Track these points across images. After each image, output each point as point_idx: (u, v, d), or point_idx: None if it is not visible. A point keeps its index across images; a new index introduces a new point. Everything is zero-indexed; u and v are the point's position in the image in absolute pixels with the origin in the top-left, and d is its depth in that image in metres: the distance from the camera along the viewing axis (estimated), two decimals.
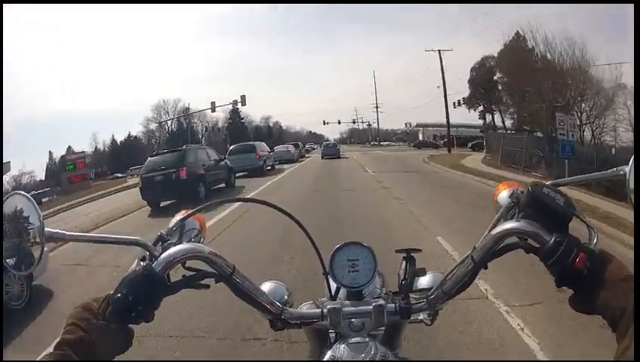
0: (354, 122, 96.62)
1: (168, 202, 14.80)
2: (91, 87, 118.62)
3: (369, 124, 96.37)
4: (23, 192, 0.86)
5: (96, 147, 54.56)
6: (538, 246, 0.81)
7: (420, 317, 1.10)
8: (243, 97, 49.57)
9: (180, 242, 0.96)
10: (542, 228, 0.81)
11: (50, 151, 70.49)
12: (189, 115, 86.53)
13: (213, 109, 52.71)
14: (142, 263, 0.88)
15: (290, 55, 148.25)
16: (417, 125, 79.58)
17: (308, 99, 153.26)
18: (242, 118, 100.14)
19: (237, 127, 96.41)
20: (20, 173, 52.64)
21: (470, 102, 54.52)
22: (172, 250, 0.88)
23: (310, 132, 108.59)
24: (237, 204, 8.11)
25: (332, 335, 1.06)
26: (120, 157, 71.38)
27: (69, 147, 69.18)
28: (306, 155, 48.77)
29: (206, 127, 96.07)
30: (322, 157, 38.93)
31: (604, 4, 27.41)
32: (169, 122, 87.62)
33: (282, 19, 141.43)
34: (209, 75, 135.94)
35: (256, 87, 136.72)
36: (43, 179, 59.51)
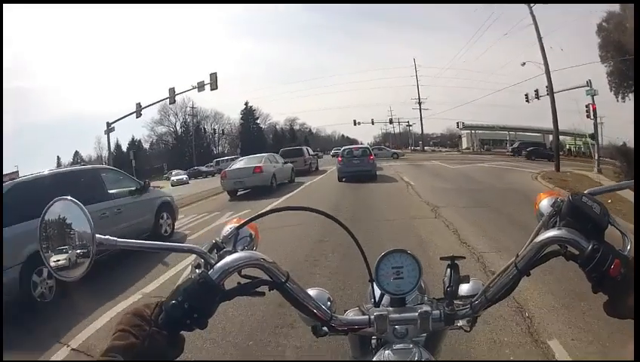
0: (390, 122, 77.31)
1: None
2: (101, 85, 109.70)
3: (408, 124, 76.15)
4: (70, 198, 0.84)
5: (110, 152, 44.32)
6: (577, 254, 0.83)
7: (459, 324, 1.03)
8: (213, 76, 32.70)
9: (235, 250, 0.95)
10: (581, 235, 0.83)
11: (57, 157, 67.83)
12: (196, 119, 75.19)
13: (172, 100, 36.14)
14: (197, 271, 0.86)
15: (318, 55, 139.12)
16: (465, 127, 65.82)
17: (339, 101, 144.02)
18: (257, 119, 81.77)
19: (250, 131, 79.02)
20: None
21: (619, 79, 32.53)
22: (229, 258, 0.87)
23: (343, 136, 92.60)
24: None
25: (374, 341, 1.09)
26: (124, 166, 60.59)
27: (76, 152, 71.40)
28: (319, 169, 29.99)
29: (222, 131, 79.69)
30: (340, 180, 19.91)
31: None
32: (177, 125, 79.97)
33: (311, 18, 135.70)
34: (230, 76, 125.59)
35: (284, 89, 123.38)
36: None
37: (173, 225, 10.18)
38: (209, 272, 0.83)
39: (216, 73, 32.85)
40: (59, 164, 66.75)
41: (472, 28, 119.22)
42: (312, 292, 1.08)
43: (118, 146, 72.57)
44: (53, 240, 0.84)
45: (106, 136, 35.26)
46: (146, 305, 0.81)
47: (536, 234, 0.89)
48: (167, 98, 35.97)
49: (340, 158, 20.81)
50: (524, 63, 32.80)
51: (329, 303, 1.10)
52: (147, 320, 0.77)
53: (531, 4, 25.91)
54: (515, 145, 47.16)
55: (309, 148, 31.98)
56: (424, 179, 19.00)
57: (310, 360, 3.64)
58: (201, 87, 33.04)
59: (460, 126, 64.60)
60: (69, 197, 0.84)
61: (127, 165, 59.47)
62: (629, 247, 0.82)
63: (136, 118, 37.83)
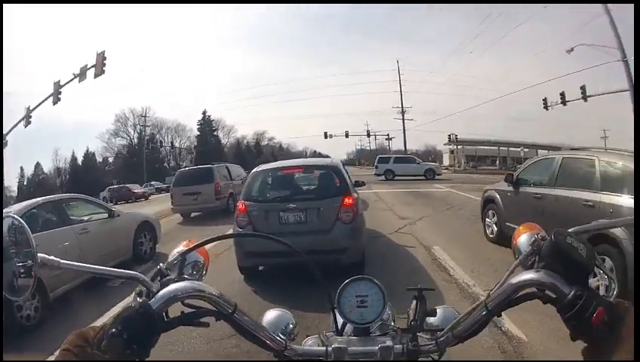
0: (367, 135, 65.00)
1: None
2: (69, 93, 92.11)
3: (388, 137, 64.57)
4: (15, 216, 0.82)
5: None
6: (556, 297, 0.76)
7: (424, 355, 0.93)
8: (100, 57, 22.78)
9: (180, 278, 0.89)
10: (561, 279, 0.75)
11: (21, 167, 62.06)
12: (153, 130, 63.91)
13: (55, 98, 24.65)
14: (139, 299, 0.81)
15: (295, 70, 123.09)
16: (459, 141, 55.39)
17: (312, 113, 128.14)
18: (215, 130, 68.97)
19: (207, 143, 66.92)
20: None
21: None
22: (171, 287, 0.81)
23: (315, 152, 79.98)
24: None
25: None
26: (80, 179, 57.26)
27: (37, 163, 63.50)
28: None
29: (171, 143, 67.91)
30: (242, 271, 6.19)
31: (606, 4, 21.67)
32: (133, 134, 68.97)
33: (285, 31, 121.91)
34: (197, 86, 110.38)
35: (254, 101, 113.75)
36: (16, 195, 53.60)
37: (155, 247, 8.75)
38: (150, 301, 0.77)
39: (103, 52, 22.44)
40: (22, 175, 62.78)
41: (455, 39, 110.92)
42: (273, 313, 1.06)
43: (74, 159, 65.64)
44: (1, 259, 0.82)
45: None
46: (91, 327, 0.77)
47: (511, 274, 0.82)
48: (50, 95, 24.72)
49: (241, 207, 6.06)
50: (572, 49, 26.19)
51: (291, 326, 1.05)
52: (90, 342, 0.74)
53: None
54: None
55: (229, 167, 16.96)
56: None
57: None
58: (83, 73, 22.59)
59: (453, 138, 54.50)
60: (15, 216, 0.82)
61: (80, 181, 53.69)
62: (614, 292, 0.75)
63: (25, 126, 26.95)
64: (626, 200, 4.70)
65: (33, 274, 0.78)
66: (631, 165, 4.88)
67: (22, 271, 0.79)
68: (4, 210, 6.92)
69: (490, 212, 8.11)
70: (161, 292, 0.79)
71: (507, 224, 7.26)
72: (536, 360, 3.35)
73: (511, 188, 7.45)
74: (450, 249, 7.38)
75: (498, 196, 7.85)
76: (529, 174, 7.31)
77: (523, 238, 0.87)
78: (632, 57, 19.27)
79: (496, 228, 7.79)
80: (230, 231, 7.20)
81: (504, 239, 7.28)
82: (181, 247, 0.97)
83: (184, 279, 0.87)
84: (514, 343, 3.84)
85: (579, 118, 63.83)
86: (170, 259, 0.93)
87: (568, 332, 0.78)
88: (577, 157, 6.09)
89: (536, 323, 4.05)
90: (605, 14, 20.37)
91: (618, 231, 4.48)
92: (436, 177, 29.49)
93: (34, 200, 6.73)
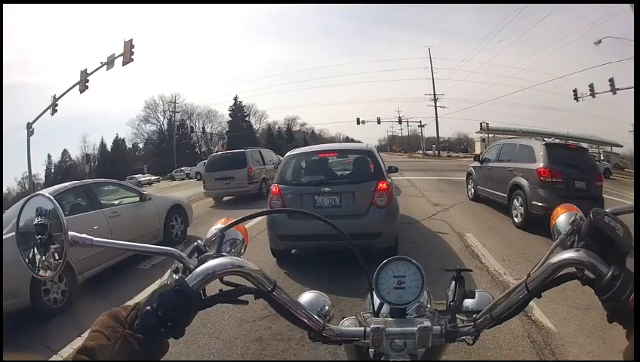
0: (399, 121, 63.70)
1: None
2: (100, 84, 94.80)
3: (421, 124, 63.44)
4: (46, 194, 0.79)
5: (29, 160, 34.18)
6: (594, 278, 0.74)
7: (461, 337, 0.92)
8: (127, 45, 23.02)
9: (218, 254, 0.86)
10: (600, 259, 0.74)
11: (48, 155, 63.28)
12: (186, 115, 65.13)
13: (83, 86, 25.06)
14: (175, 276, 0.80)
15: (324, 59, 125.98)
16: (490, 129, 55.04)
17: (345, 100, 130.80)
18: (247, 116, 69.28)
19: (239, 129, 67.32)
20: (24, 177, 44.08)
21: None
22: (209, 263, 0.77)
23: (347, 138, 78.48)
24: None
25: (372, 351, 0.91)
26: (109, 165, 59.26)
27: (65, 150, 64.75)
28: None
29: (202, 129, 68.24)
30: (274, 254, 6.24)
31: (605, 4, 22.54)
32: (163, 120, 69.60)
33: (319, 19, 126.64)
34: (229, 72, 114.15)
35: (287, 87, 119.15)
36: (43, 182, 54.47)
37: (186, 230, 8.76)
38: (187, 278, 0.74)
39: (131, 40, 22.56)
40: (50, 163, 64.26)
41: (486, 30, 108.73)
42: (309, 295, 1.03)
43: (102, 145, 66.75)
44: (29, 236, 0.78)
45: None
46: (123, 307, 0.75)
47: (551, 254, 0.79)
48: (77, 83, 25.17)
49: (275, 190, 5.98)
50: (600, 41, 26.39)
51: (327, 308, 1.00)
52: (122, 322, 0.71)
53: None
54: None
55: (262, 151, 16.53)
56: None
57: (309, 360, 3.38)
58: (110, 62, 22.93)
59: (484, 127, 53.60)
60: (44, 193, 0.78)
61: (109, 167, 55.37)
62: None
63: (52, 115, 27.55)
64: (526, 165, 8.41)
65: (63, 252, 0.75)
66: (533, 146, 8.50)
67: (51, 248, 0.76)
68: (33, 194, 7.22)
69: (469, 181, 11.97)
70: (199, 268, 0.75)
71: (478, 187, 11.11)
72: (543, 360, 3.34)
73: (479, 165, 11.19)
74: (482, 236, 7.32)
75: (473, 170, 11.71)
76: (488, 155, 11.08)
77: (562, 218, 0.88)
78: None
79: (473, 191, 11.52)
80: None
81: (477, 198, 11.18)
82: (219, 224, 0.94)
83: (223, 256, 0.83)
84: (543, 333, 3.83)
85: (610, 110, 61.99)
86: (209, 235, 0.90)
87: (596, 325, 0.75)
88: (509, 143, 10.14)
89: (565, 314, 4.10)
90: (630, 9, 19.62)
91: (523, 181, 8.27)
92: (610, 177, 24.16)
93: (64, 184, 6.71)
